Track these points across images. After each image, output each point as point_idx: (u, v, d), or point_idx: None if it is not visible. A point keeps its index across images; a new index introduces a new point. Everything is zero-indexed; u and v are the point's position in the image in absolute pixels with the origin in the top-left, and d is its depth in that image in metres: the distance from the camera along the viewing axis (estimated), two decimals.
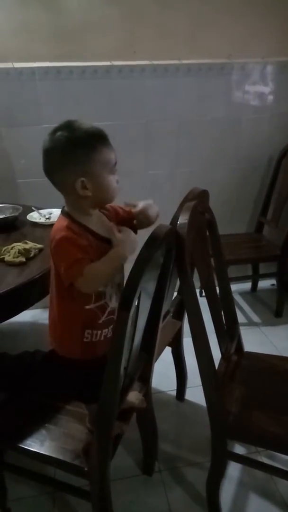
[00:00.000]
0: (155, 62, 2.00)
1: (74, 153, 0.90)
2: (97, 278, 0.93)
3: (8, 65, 1.87)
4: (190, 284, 0.99)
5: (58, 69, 1.90)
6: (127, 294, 0.83)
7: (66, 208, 0.99)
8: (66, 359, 1.05)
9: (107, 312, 1.03)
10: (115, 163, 0.97)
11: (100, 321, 1.02)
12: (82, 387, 1.09)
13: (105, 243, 0.99)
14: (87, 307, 0.99)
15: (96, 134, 0.93)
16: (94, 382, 0.99)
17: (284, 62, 2.14)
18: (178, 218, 0.99)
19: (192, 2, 1.99)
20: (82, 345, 1.02)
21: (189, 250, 0.99)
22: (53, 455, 1.02)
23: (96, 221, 1.01)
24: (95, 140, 0.92)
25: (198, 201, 1.06)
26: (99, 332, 1.03)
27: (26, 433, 1.07)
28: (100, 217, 1.03)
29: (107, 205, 1.06)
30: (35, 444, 1.04)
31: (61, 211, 1.00)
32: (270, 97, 2.21)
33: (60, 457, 1.01)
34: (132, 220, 1.08)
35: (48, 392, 1.21)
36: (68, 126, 0.92)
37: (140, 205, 1.06)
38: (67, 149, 0.90)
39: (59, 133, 0.91)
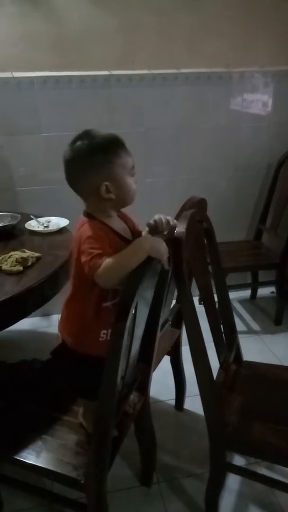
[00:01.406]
0: (154, 71, 2.01)
1: (96, 158, 0.94)
2: (114, 267, 0.91)
3: (7, 74, 1.88)
4: (187, 294, 0.99)
5: (57, 79, 1.91)
6: (123, 306, 0.82)
7: (88, 210, 1.01)
8: (78, 353, 1.06)
9: None
10: (133, 166, 1.00)
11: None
12: (86, 382, 1.09)
13: (126, 243, 1.01)
14: (104, 304, 1.01)
15: (114, 140, 0.97)
16: (97, 379, 1.00)
17: (282, 71, 2.15)
18: (175, 227, 0.99)
19: (190, 11, 2.00)
20: (98, 344, 1.03)
21: (187, 259, 0.99)
22: (50, 468, 1.00)
23: (116, 222, 1.04)
24: (114, 145, 0.96)
25: (196, 210, 1.06)
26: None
27: (22, 445, 1.06)
28: (119, 220, 1.06)
29: (122, 210, 1.08)
30: (31, 456, 1.03)
31: (84, 213, 1.02)
32: (269, 106, 2.22)
33: (57, 469, 1.00)
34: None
35: (45, 402, 1.20)
36: (87, 135, 0.96)
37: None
38: (89, 156, 0.94)
39: (79, 143, 0.95)
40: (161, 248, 0.93)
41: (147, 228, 1.06)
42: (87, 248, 0.93)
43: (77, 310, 1.05)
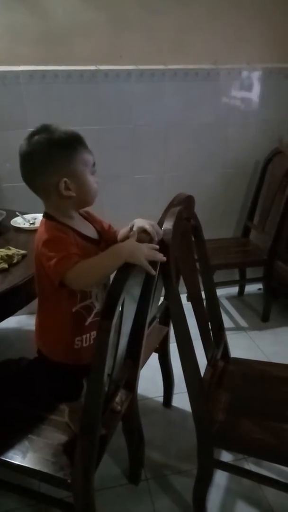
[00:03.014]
0: (141, 67, 1.99)
1: (55, 154, 0.91)
2: (88, 272, 0.90)
3: None
4: (174, 291, 0.98)
5: (43, 73, 1.88)
6: (110, 303, 0.81)
7: (47, 211, 0.99)
8: (55, 362, 1.05)
9: (93, 313, 1.02)
10: (94, 164, 0.97)
11: (87, 323, 1.02)
12: (68, 388, 1.09)
13: (90, 243, 1.00)
14: (74, 309, 0.99)
15: (74, 135, 0.94)
16: (79, 383, 1.02)
17: (269, 68, 2.16)
18: (162, 224, 0.98)
19: (178, 7, 1.99)
20: (73, 351, 1.02)
21: (174, 256, 0.98)
22: (36, 468, 0.99)
23: (79, 223, 1.01)
24: (73, 140, 0.93)
25: (183, 207, 1.05)
26: (87, 335, 1.02)
27: (8, 445, 1.04)
28: (82, 220, 1.04)
29: (86, 210, 1.06)
30: (17, 457, 1.02)
31: (43, 215, 0.99)
32: (256, 103, 2.22)
33: (43, 469, 0.99)
34: (115, 237, 1.08)
35: (31, 401, 1.19)
36: (45, 129, 0.92)
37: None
38: (48, 151, 0.91)
39: (36, 137, 0.91)
40: (140, 255, 0.88)
41: (127, 229, 1.03)
42: (47, 252, 0.90)
43: (48, 318, 1.03)
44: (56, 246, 0.90)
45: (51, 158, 0.91)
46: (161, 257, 0.92)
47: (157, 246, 0.93)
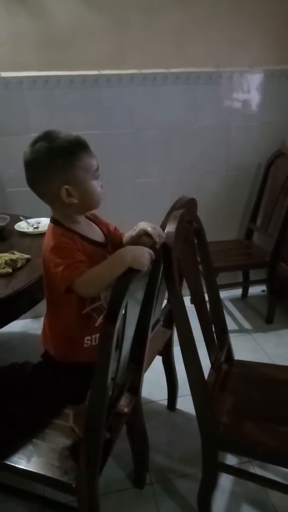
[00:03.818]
0: (144, 71, 2.01)
1: (56, 161, 0.91)
2: (95, 280, 0.91)
3: None
4: (177, 294, 0.98)
5: (46, 78, 1.90)
6: (113, 307, 0.81)
7: (54, 216, 0.99)
8: (62, 363, 1.05)
9: (103, 314, 1.02)
10: (97, 168, 0.97)
11: (97, 324, 1.03)
12: (72, 391, 1.09)
13: (97, 247, 1.00)
14: (84, 311, 0.99)
15: (75, 141, 0.94)
16: (84, 386, 1.01)
17: (270, 71, 2.16)
18: (165, 227, 0.99)
19: (179, 11, 2.00)
20: (82, 350, 1.03)
21: (177, 259, 0.98)
22: (41, 472, 0.99)
23: (85, 226, 1.02)
24: (75, 147, 0.93)
25: (186, 210, 1.05)
26: (97, 335, 1.03)
27: (13, 449, 1.04)
28: (88, 223, 1.04)
29: (92, 213, 1.06)
30: (22, 461, 1.02)
31: (50, 220, 1.00)
32: (258, 105, 2.23)
33: (48, 474, 0.99)
34: (120, 239, 1.08)
35: (36, 405, 1.19)
36: (47, 136, 0.92)
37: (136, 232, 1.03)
38: (48, 158, 0.91)
39: (38, 144, 0.92)
40: (144, 260, 0.88)
41: (132, 232, 1.03)
42: (54, 258, 0.91)
43: (58, 321, 1.04)
44: (63, 253, 0.91)
45: (52, 166, 0.91)
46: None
47: (154, 256, 0.92)
